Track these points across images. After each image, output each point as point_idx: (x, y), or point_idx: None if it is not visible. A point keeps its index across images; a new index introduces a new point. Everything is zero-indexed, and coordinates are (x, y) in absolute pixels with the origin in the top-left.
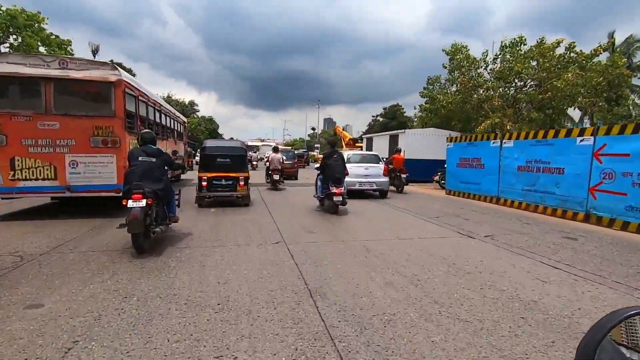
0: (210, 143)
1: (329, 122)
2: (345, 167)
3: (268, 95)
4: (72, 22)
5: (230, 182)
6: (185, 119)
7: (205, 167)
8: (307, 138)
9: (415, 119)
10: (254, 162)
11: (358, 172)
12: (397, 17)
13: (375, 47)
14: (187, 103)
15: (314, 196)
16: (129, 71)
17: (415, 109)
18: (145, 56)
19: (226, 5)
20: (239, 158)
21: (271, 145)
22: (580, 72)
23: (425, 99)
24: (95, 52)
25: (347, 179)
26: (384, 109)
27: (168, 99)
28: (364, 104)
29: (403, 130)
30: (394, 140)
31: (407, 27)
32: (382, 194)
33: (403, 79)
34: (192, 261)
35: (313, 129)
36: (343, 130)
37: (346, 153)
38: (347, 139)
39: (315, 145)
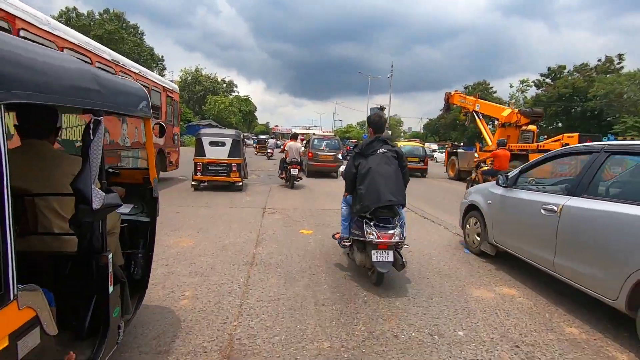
0: None
1: (376, 111)
2: (405, 177)
3: (314, 84)
4: (131, 15)
5: None
6: (171, 86)
7: None
8: (357, 127)
9: (513, 100)
10: (269, 150)
11: None
12: None
13: (428, 31)
14: (219, 80)
15: (334, 237)
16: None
17: (511, 87)
18: (199, 46)
19: None
20: None
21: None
22: None
23: None
24: None
25: None
26: (464, 88)
27: (196, 74)
28: (413, 93)
29: None
30: None
31: (464, 8)
32: None
33: (459, 65)
34: None
35: (381, 107)
36: (478, 96)
37: None
38: (507, 116)
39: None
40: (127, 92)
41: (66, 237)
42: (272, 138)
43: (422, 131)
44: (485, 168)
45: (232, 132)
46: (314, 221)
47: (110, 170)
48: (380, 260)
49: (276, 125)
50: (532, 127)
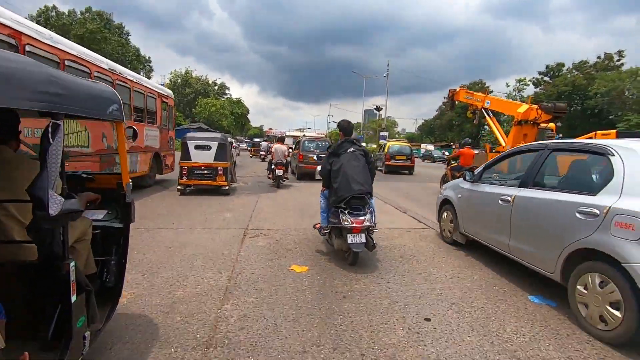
0: None
1: (369, 113)
2: (371, 171)
3: (309, 87)
4: (126, 19)
5: None
6: (165, 92)
7: None
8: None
9: (511, 96)
10: (262, 153)
11: None
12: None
13: (424, 33)
14: (210, 82)
15: (315, 227)
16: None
17: (508, 86)
18: (192, 49)
19: None
20: None
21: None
22: None
23: None
24: None
25: None
26: (461, 86)
27: (186, 76)
28: (408, 95)
29: None
30: None
31: (459, 10)
32: None
33: (455, 67)
34: None
35: (377, 108)
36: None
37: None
38: (524, 112)
39: (382, 134)
40: (94, 96)
41: (28, 245)
42: (265, 141)
43: (416, 132)
44: (454, 164)
45: (217, 135)
46: (310, 249)
47: (84, 175)
48: (355, 242)
49: (270, 128)
50: (551, 125)
